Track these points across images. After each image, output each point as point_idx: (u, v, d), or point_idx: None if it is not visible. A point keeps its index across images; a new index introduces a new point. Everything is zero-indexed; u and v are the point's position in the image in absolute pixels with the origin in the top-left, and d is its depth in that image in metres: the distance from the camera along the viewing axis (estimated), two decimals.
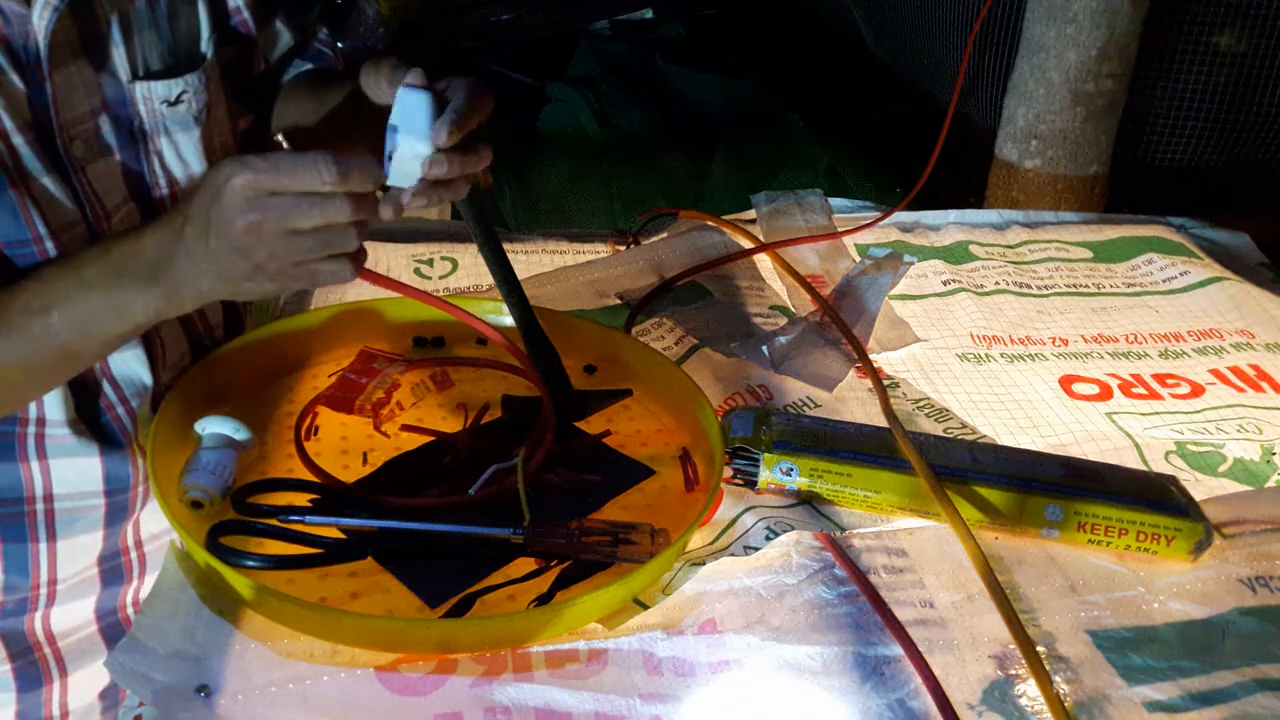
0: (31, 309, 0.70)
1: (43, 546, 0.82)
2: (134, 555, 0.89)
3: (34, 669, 0.85)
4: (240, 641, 0.68)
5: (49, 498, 0.82)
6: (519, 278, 0.92)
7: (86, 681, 0.88)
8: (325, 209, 0.65)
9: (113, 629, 0.89)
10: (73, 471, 0.82)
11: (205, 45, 0.87)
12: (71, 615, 0.86)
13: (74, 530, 0.83)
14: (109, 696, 0.89)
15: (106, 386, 0.82)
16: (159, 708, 0.63)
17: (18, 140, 0.73)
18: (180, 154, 0.85)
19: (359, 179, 0.65)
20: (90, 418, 0.82)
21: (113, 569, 0.87)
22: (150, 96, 0.82)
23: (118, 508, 0.85)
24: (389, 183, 0.69)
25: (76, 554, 0.84)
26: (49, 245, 0.75)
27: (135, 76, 0.81)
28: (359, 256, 0.69)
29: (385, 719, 0.64)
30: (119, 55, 0.79)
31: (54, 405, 0.79)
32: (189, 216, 0.67)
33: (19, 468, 0.80)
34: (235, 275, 0.68)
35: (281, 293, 0.70)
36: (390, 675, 0.66)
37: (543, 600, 0.70)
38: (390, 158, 0.68)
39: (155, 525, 0.89)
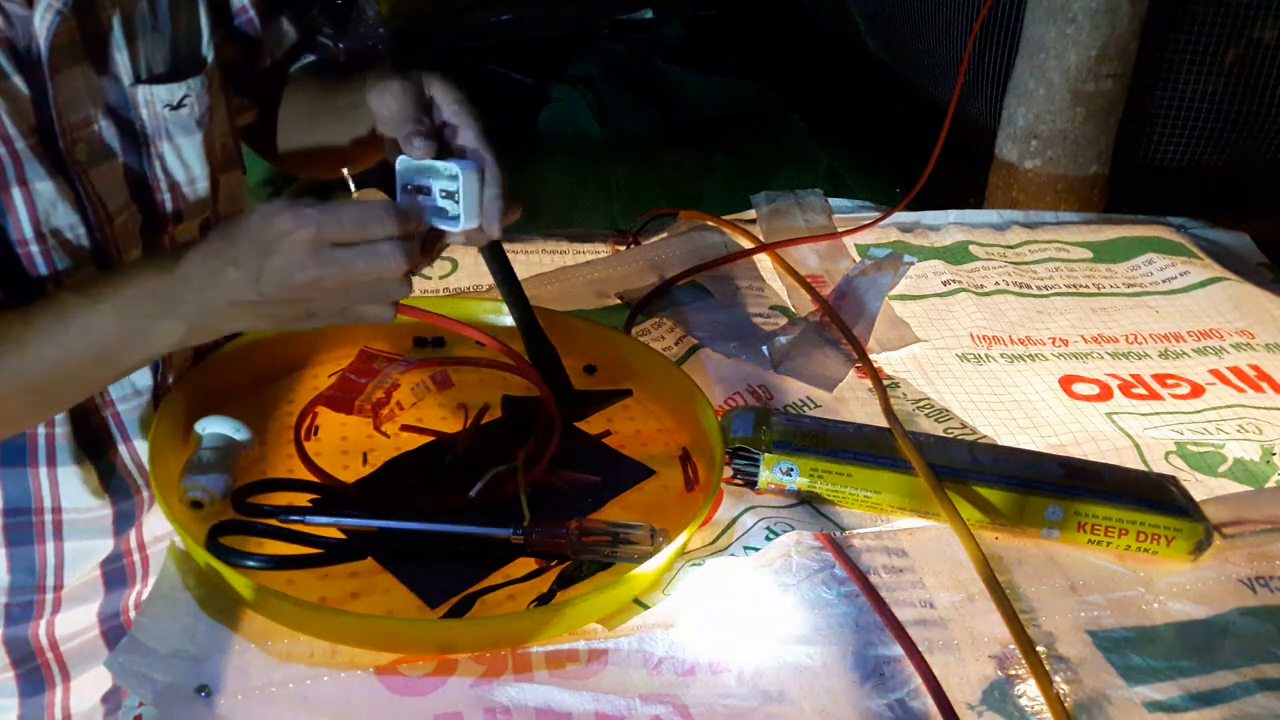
0: (42, 337, 0.70)
1: (49, 548, 0.82)
2: (137, 558, 0.89)
3: (37, 674, 0.85)
4: (240, 642, 0.68)
5: (57, 509, 0.82)
6: (519, 278, 0.92)
7: (89, 686, 0.88)
8: (385, 261, 0.67)
9: (115, 632, 0.89)
10: (79, 479, 0.82)
11: (206, 49, 0.87)
12: (74, 620, 0.86)
13: (82, 535, 0.83)
14: (111, 700, 0.89)
15: (109, 389, 0.82)
16: (159, 708, 0.63)
17: (20, 145, 0.73)
18: (182, 157, 0.85)
19: (415, 227, 0.69)
20: (92, 421, 0.82)
21: (116, 572, 0.87)
22: (152, 100, 0.82)
23: (124, 514, 0.85)
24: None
25: (82, 558, 0.84)
26: (49, 245, 0.75)
27: (137, 80, 0.81)
28: (399, 294, 0.71)
29: (385, 719, 0.64)
30: (121, 59, 0.79)
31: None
32: (232, 261, 0.67)
33: (28, 474, 0.80)
34: (282, 320, 0.70)
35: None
36: (390, 675, 0.66)
37: (543, 600, 0.70)
38: (412, 197, 0.74)
39: (159, 528, 0.89)
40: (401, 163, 0.74)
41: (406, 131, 0.74)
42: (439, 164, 0.73)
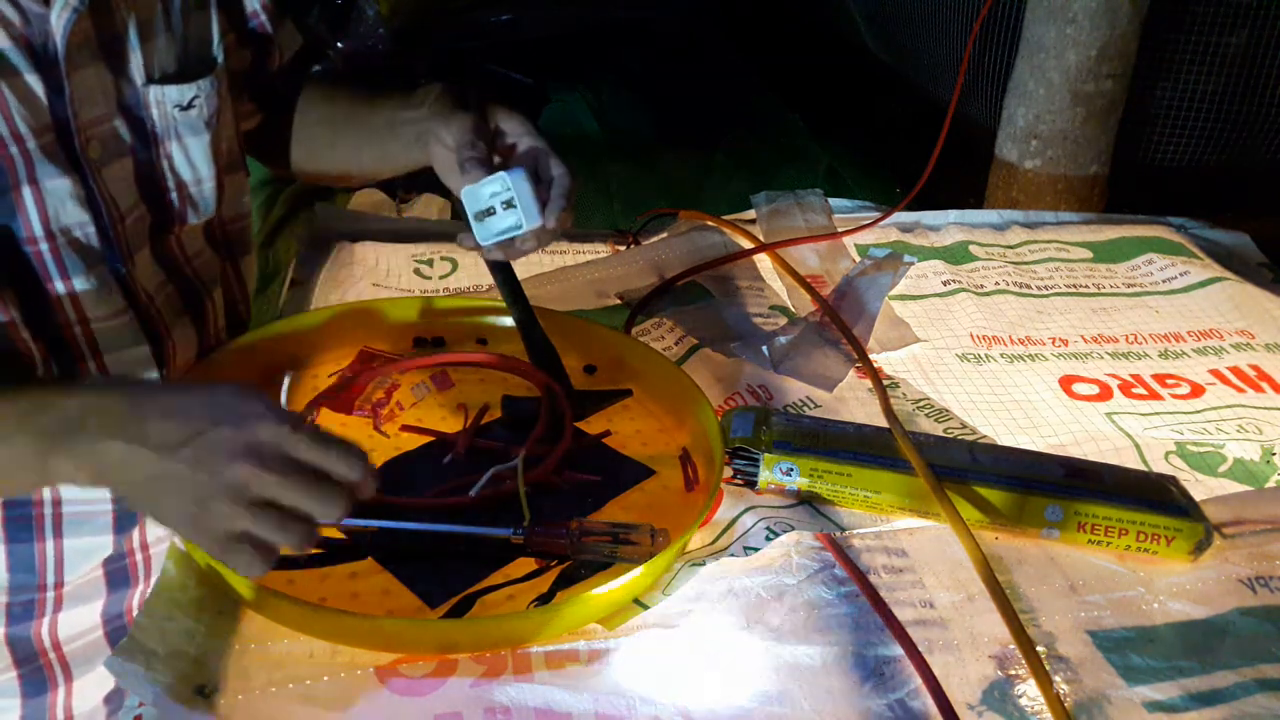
0: None
1: (49, 545, 0.82)
2: (139, 558, 0.89)
3: (39, 675, 0.85)
4: (240, 642, 0.68)
5: (57, 501, 0.82)
6: (519, 278, 0.92)
7: (91, 686, 0.88)
8: (323, 501, 0.60)
9: (118, 633, 0.89)
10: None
11: (216, 50, 0.87)
12: (77, 620, 0.86)
13: (82, 532, 0.83)
14: (114, 701, 0.89)
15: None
16: (159, 708, 0.63)
17: (31, 144, 0.73)
18: (190, 158, 0.85)
19: (369, 489, 0.62)
20: None
21: (118, 572, 0.87)
22: (164, 100, 0.82)
23: (125, 512, 0.85)
24: (482, 243, 0.81)
25: (83, 556, 0.84)
26: (59, 244, 0.75)
27: (149, 80, 0.81)
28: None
29: (385, 719, 0.64)
30: (135, 59, 0.80)
31: None
32: (173, 414, 0.60)
33: None
34: (181, 513, 0.61)
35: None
36: (390, 675, 0.66)
37: (543, 600, 0.70)
38: (487, 225, 0.80)
39: (161, 528, 0.89)
40: (466, 194, 0.79)
41: (464, 158, 0.78)
42: (489, 181, 0.78)
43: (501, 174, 0.77)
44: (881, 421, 0.94)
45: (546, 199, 0.80)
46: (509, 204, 0.78)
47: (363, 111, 0.94)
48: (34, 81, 0.73)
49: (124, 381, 0.66)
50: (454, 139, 0.80)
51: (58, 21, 0.73)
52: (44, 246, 0.75)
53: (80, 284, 0.77)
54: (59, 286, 0.76)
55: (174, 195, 0.85)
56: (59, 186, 0.75)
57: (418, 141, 0.87)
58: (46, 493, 0.81)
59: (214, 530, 0.60)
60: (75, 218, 0.76)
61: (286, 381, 0.82)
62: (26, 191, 0.73)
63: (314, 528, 0.61)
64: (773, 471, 0.84)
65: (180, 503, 0.60)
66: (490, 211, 0.79)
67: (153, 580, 0.89)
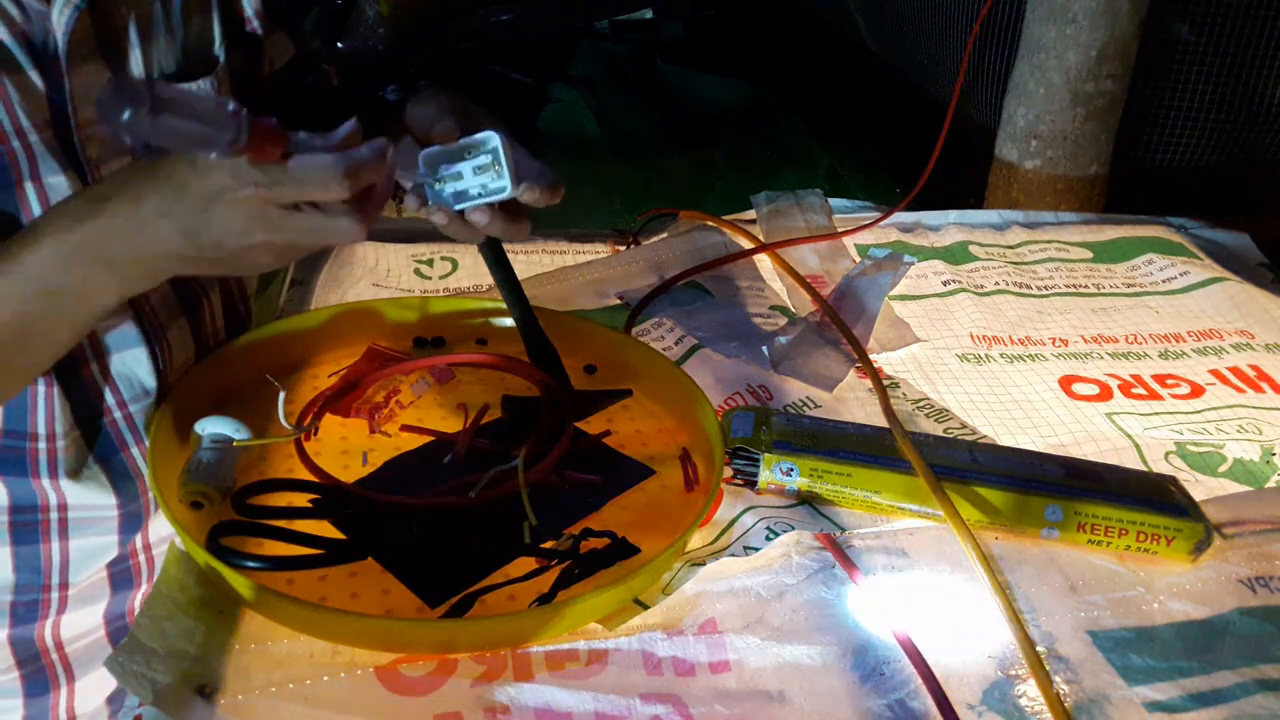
0: None
1: (54, 546, 0.82)
2: (142, 559, 0.89)
3: (41, 675, 0.85)
4: (240, 642, 0.68)
5: (63, 506, 0.82)
6: (519, 278, 0.92)
7: (93, 686, 0.88)
8: (336, 233, 0.65)
9: (120, 633, 0.89)
10: (84, 484, 0.82)
11: (218, 49, 0.87)
12: (80, 621, 0.86)
13: (87, 534, 0.83)
14: (116, 701, 0.89)
15: (108, 393, 0.82)
16: (159, 708, 0.63)
17: (34, 139, 0.73)
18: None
19: (370, 178, 0.64)
20: (93, 426, 0.82)
21: (121, 573, 0.87)
22: None
23: (131, 516, 0.85)
24: (434, 203, 0.71)
25: (89, 558, 0.84)
26: None
27: (151, 79, 0.81)
28: (366, 214, 0.66)
29: (385, 719, 0.64)
30: (135, 57, 0.80)
31: (57, 417, 0.79)
32: (163, 212, 0.64)
33: (32, 483, 0.80)
34: (223, 268, 0.69)
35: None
36: (390, 675, 0.66)
37: (543, 600, 0.70)
38: (440, 189, 0.71)
39: (164, 528, 0.89)
40: (426, 154, 0.71)
41: (439, 126, 0.75)
42: (467, 140, 0.70)
43: (482, 134, 0.70)
44: (881, 421, 0.94)
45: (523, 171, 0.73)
46: (484, 168, 0.70)
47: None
48: (35, 77, 0.73)
49: (101, 194, 0.66)
50: (429, 113, 0.77)
51: (59, 19, 0.73)
52: None
53: None
54: None
55: None
56: (61, 183, 0.75)
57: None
58: (52, 498, 0.81)
59: (271, 264, 0.67)
60: None
61: (281, 397, 0.82)
62: (29, 187, 0.73)
63: (352, 235, 0.65)
64: (773, 471, 0.84)
65: (224, 269, 0.69)
66: (457, 177, 0.71)
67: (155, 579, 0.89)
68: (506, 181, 0.69)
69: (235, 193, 0.62)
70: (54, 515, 0.81)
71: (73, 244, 0.66)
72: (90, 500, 0.82)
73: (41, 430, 0.79)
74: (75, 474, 0.81)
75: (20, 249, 0.66)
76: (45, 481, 0.80)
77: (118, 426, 0.84)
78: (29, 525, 0.81)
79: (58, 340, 0.74)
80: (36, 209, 0.74)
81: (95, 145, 0.77)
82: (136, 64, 0.80)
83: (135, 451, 0.85)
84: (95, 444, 0.82)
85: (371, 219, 0.66)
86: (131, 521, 0.85)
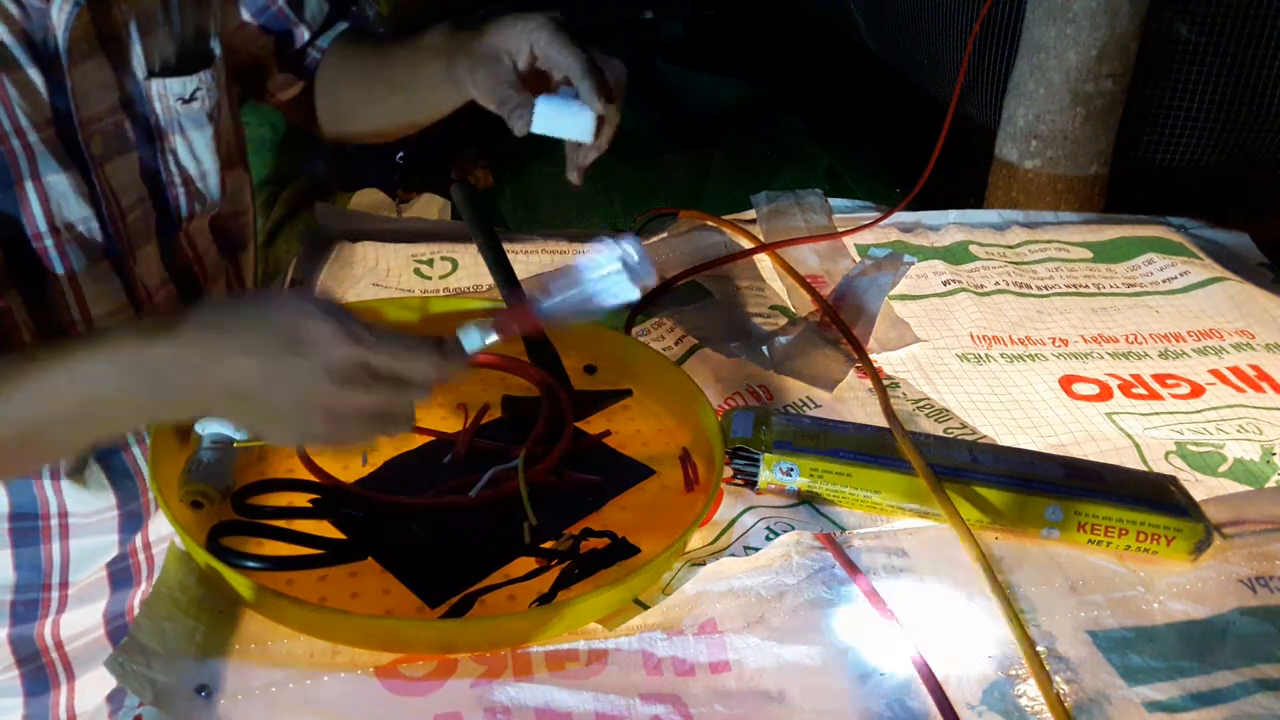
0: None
1: (55, 547, 0.82)
2: (142, 558, 0.89)
3: (41, 674, 0.85)
4: (240, 642, 0.68)
5: (64, 514, 0.82)
6: (519, 278, 0.92)
7: (93, 685, 0.88)
8: (410, 408, 0.64)
9: (119, 632, 0.89)
10: (84, 485, 0.82)
11: (214, 42, 0.87)
12: (80, 620, 0.86)
13: (87, 534, 0.83)
14: (116, 700, 0.89)
15: None
16: (159, 708, 0.63)
17: (33, 137, 0.73)
18: (194, 151, 0.85)
19: (454, 371, 0.64)
20: None
21: (121, 572, 0.87)
22: (165, 94, 0.82)
23: (131, 515, 0.85)
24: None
25: (88, 557, 0.84)
26: (63, 239, 0.75)
27: (150, 74, 0.81)
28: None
29: (385, 719, 0.64)
30: (136, 52, 0.80)
31: None
32: (244, 347, 0.60)
33: (33, 486, 0.80)
34: (269, 429, 0.65)
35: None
36: (390, 675, 0.66)
37: (543, 600, 0.70)
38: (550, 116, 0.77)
39: (164, 528, 0.89)
40: (549, 102, 0.77)
41: (507, 110, 0.76)
42: (603, 255, 0.71)
43: (579, 103, 0.77)
44: (881, 421, 0.94)
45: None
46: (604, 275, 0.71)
47: (388, 63, 0.92)
48: (35, 75, 0.73)
49: (185, 321, 0.62)
50: (487, 91, 0.77)
51: (59, 16, 0.73)
52: (48, 242, 0.75)
53: (83, 279, 0.77)
54: (63, 281, 0.76)
55: (180, 190, 0.85)
56: (61, 181, 0.75)
57: (448, 73, 0.82)
58: (53, 504, 0.81)
59: (318, 441, 0.66)
60: (78, 213, 0.76)
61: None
62: (30, 186, 0.73)
63: (411, 413, 0.65)
64: (773, 471, 0.84)
65: (268, 431, 0.66)
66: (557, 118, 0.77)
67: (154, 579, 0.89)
68: (634, 291, 0.70)
69: (335, 347, 0.59)
70: (54, 521, 0.82)
71: (131, 359, 0.62)
72: (91, 504, 0.82)
73: None
74: (75, 475, 0.81)
75: (76, 352, 0.62)
76: (46, 484, 0.80)
77: None
78: (29, 531, 0.81)
79: (67, 449, 0.73)
80: (36, 207, 0.74)
81: (98, 142, 0.77)
82: (137, 59, 0.80)
83: (136, 451, 0.85)
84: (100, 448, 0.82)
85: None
86: (131, 521, 0.85)
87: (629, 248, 0.69)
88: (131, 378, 0.62)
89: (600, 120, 0.78)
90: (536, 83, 0.78)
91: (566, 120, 0.77)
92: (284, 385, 0.60)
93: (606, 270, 0.69)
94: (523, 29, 0.77)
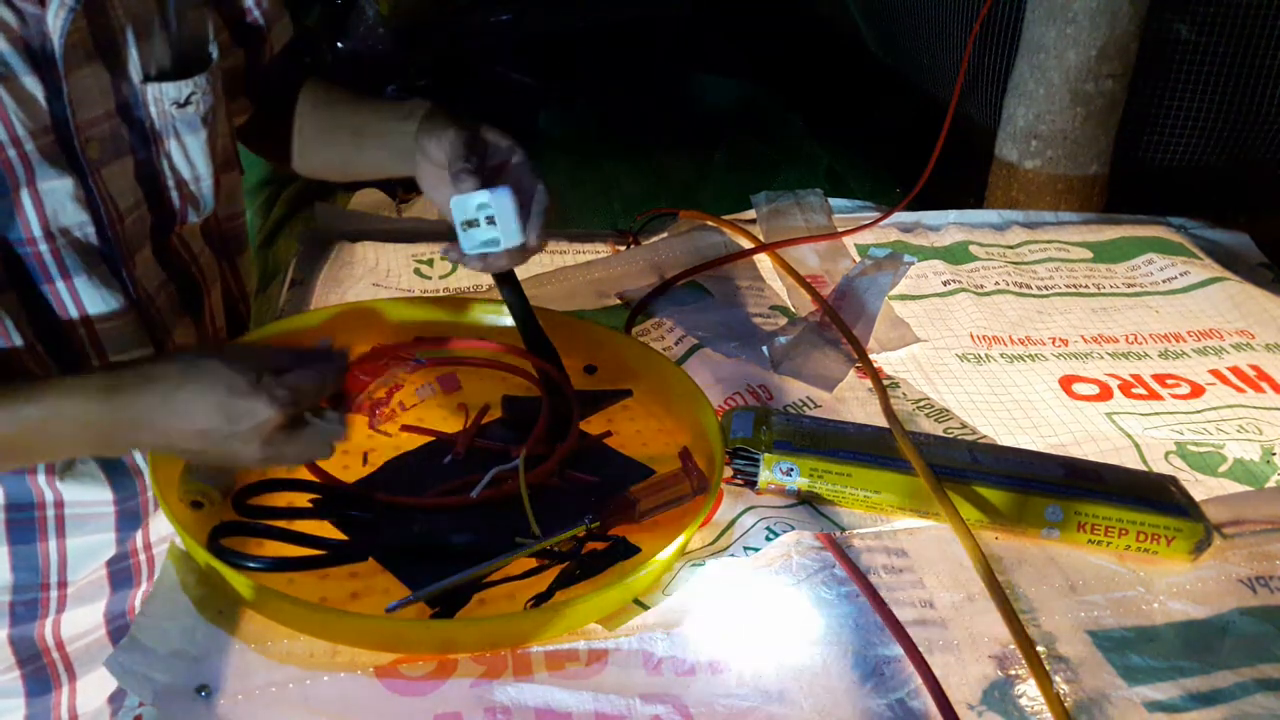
0: None
1: (52, 545, 0.82)
2: (142, 558, 0.89)
3: (43, 674, 0.85)
4: (240, 642, 0.68)
5: (59, 504, 0.82)
6: (519, 278, 0.92)
7: (95, 685, 0.88)
8: (333, 435, 0.72)
9: (121, 633, 0.89)
10: (80, 480, 0.82)
11: (212, 46, 0.87)
12: (80, 620, 0.86)
13: (84, 531, 0.83)
14: (118, 700, 0.89)
15: None
16: (159, 708, 0.63)
17: (30, 146, 0.73)
18: (188, 155, 0.85)
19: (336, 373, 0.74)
20: None
21: (121, 572, 0.87)
22: (161, 98, 0.82)
23: (128, 513, 0.85)
24: (466, 251, 0.82)
25: (87, 556, 0.84)
26: (59, 244, 0.75)
27: (147, 78, 0.81)
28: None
29: (385, 719, 0.64)
30: (131, 57, 0.80)
31: None
32: (184, 415, 0.67)
33: (28, 479, 0.80)
34: (216, 465, 0.76)
35: None
36: (390, 675, 0.66)
37: (541, 599, 0.70)
38: (471, 236, 0.82)
39: (164, 528, 0.89)
40: (455, 203, 0.80)
41: (456, 169, 0.80)
42: (477, 195, 0.79)
43: (488, 190, 0.80)
44: (881, 421, 0.94)
45: (527, 217, 0.82)
46: (492, 219, 0.80)
47: (356, 120, 0.95)
48: (32, 83, 0.73)
49: (118, 382, 0.69)
50: (447, 152, 0.82)
51: (54, 22, 0.72)
52: (44, 247, 0.75)
53: (81, 284, 0.77)
54: (60, 287, 0.76)
55: (174, 193, 0.85)
56: (58, 187, 0.75)
57: (406, 154, 0.87)
58: (48, 494, 0.81)
59: (260, 462, 0.71)
60: (75, 218, 0.76)
61: None
62: (25, 194, 0.73)
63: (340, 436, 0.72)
64: (773, 471, 0.84)
65: (226, 470, 0.76)
66: (474, 223, 0.81)
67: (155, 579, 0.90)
68: (500, 236, 0.80)
69: (262, 419, 0.67)
70: (50, 512, 0.82)
71: (78, 412, 0.68)
72: (86, 496, 0.82)
73: None
74: (70, 469, 0.81)
75: (26, 399, 0.67)
76: (41, 478, 0.80)
77: None
78: (25, 523, 0.81)
79: (19, 467, 0.80)
80: (33, 215, 0.74)
81: (95, 147, 0.77)
82: (133, 63, 0.80)
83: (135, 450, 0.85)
84: None
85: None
86: (129, 519, 0.85)
87: (491, 200, 0.79)
88: (77, 429, 0.68)
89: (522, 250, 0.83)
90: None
91: (508, 221, 0.80)
92: (221, 446, 0.68)
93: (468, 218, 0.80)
94: (492, 129, 0.84)
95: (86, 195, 0.76)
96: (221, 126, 0.90)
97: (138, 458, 0.85)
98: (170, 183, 0.84)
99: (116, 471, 0.84)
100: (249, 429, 0.67)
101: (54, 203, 0.75)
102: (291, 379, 0.68)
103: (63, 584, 0.84)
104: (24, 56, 0.72)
